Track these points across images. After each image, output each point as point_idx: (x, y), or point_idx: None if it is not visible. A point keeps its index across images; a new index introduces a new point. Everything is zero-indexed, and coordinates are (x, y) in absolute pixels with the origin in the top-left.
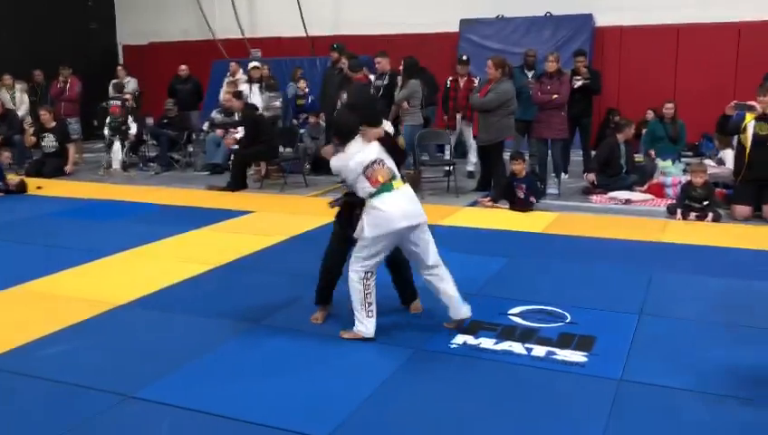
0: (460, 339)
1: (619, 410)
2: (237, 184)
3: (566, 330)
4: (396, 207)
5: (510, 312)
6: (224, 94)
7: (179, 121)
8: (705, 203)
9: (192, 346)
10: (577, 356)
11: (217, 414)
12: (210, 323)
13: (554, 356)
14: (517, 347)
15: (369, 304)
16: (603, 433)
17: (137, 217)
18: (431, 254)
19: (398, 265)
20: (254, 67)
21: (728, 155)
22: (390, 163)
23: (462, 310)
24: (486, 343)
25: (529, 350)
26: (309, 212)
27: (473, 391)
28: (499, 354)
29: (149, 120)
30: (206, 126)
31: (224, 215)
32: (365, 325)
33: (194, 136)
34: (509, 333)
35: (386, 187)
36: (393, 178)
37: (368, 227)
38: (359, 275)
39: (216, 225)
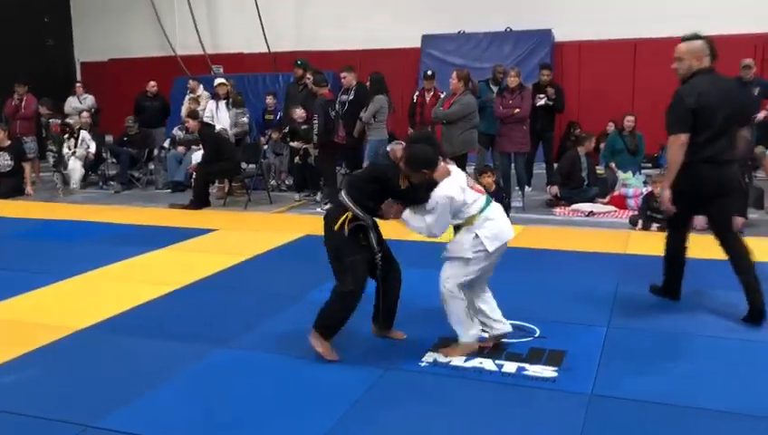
0: (430, 357)
1: (591, 426)
2: (200, 202)
3: (536, 344)
4: (504, 218)
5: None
6: (184, 111)
7: (141, 139)
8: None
9: (155, 371)
10: (548, 371)
11: None
12: (174, 347)
13: (525, 372)
14: (488, 364)
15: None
16: None
17: (97, 239)
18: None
19: (390, 288)
20: (221, 84)
21: None
22: None
23: (504, 325)
24: (456, 360)
25: (499, 366)
26: (273, 229)
27: (445, 410)
28: (469, 372)
29: (109, 138)
30: (167, 143)
31: (186, 234)
32: (474, 330)
33: (155, 153)
34: (478, 350)
35: (488, 199)
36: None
37: (486, 240)
38: (458, 288)
39: (178, 244)
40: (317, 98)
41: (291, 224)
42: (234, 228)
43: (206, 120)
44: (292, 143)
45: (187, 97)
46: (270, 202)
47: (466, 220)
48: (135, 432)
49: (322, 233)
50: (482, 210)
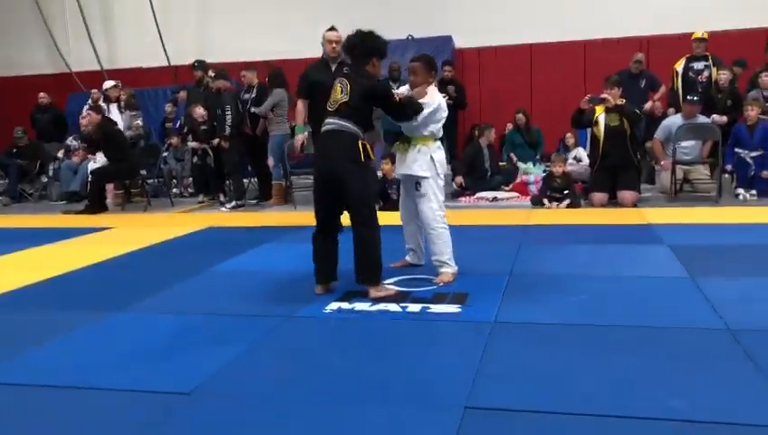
0: (335, 305)
1: (494, 341)
2: (95, 206)
3: (439, 291)
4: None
5: (384, 282)
6: (82, 120)
7: (31, 150)
8: (565, 192)
9: (45, 332)
10: (452, 308)
11: (71, 386)
12: (63, 314)
13: (429, 310)
14: (392, 307)
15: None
16: (479, 361)
17: None
18: None
19: (336, 240)
20: (113, 86)
21: (582, 153)
22: None
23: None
24: (361, 306)
25: (404, 307)
26: (174, 225)
27: (346, 343)
28: (374, 314)
29: None
30: (60, 153)
31: (80, 232)
32: (453, 264)
33: (49, 166)
34: (383, 297)
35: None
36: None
37: (439, 164)
38: (444, 220)
39: (70, 239)
40: (223, 93)
41: (192, 220)
42: (132, 226)
43: (83, 128)
44: (191, 143)
45: (86, 107)
46: (171, 205)
47: (423, 139)
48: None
49: (326, 159)
50: (436, 139)
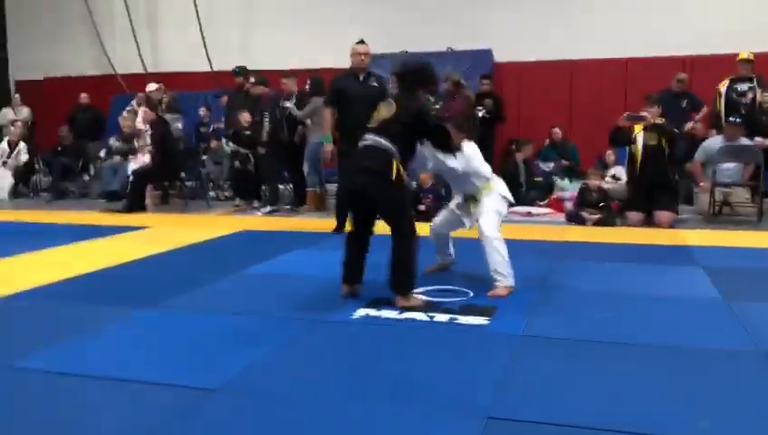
0: (362, 311)
1: (521, 354)
2: (134, 205)
3: (468, 303)
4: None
5: (415, 291)
6: (123, 121)
7: (74, 149)
8: (601, 205)
9: (79, 325)
10: (480, 320)
11: (105, 377)
12: (96, 309)
13: (456, 321)
14: (419, 316)
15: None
16: (505, 372)
17: (25, 234)
18: None
19: (366, 244)
20: (156, 89)
21: (621, 171)
22: None
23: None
24: (388, 314)
25: (431, 317)
26: (210, 226)
27: (370, 347)
28: (401, 322)
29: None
30: (103, 153)
31: (119, 230)
32: (510, 278)
33: (90, 165)
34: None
35: None
36: None
37: (507, 193)
38: (499, 237)
39: (110, 237)
40: (261, 100)
41: (228, 222)
42: (168, 226)
43: (138, 125)
44: (228, 146)
45: (127, 108)
46: (208, 208)
47: (484, 187)
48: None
49: (358, 174)
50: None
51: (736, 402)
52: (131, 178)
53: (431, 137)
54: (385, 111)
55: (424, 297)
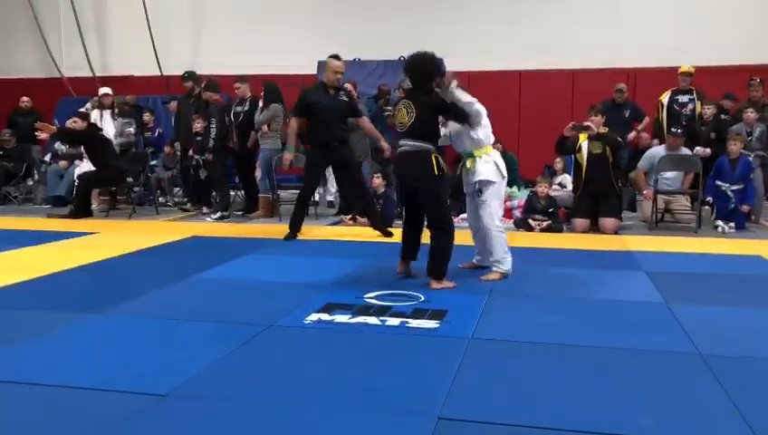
0: (314, 316)
1: (470, 357)
2: (81, 211)
3: (420, 306)
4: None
5: (366, 296)
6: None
7: (18, 153)
8: (550, 211)
9: (22, 331)
10: (430, 323)
11: (51, 384)
12: (40, 314)
13: (408, 325)
14: (372, 320)
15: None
16: (455, 375)
17: None
18: None
19: (418, 230)
20: (105, 94)
21: (568, 179)
22: None
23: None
24: (341, 318)
25: (383, 321)
26: (159, 232)
27: (323, 352)
28: (353, 326)
29: None
30: (48, 157)
31: (64, 236)
32: (509, 263)
33: (34, 169)
34: (364, 310)
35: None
36: None
37: (501, 167)
38: (501, 223)
39: (54, 242)
40: (210, 105)
41: (178, 228)
42: (116, 232)
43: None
44: (192, 155)
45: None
46: (157, 214)
47: (485, 148)
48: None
49: (404, 178)
50: (491, 145)
51: (676, 401)
52: (77, 182)
53: (457, 118)
54: (404, 114)
55: (451, 283)
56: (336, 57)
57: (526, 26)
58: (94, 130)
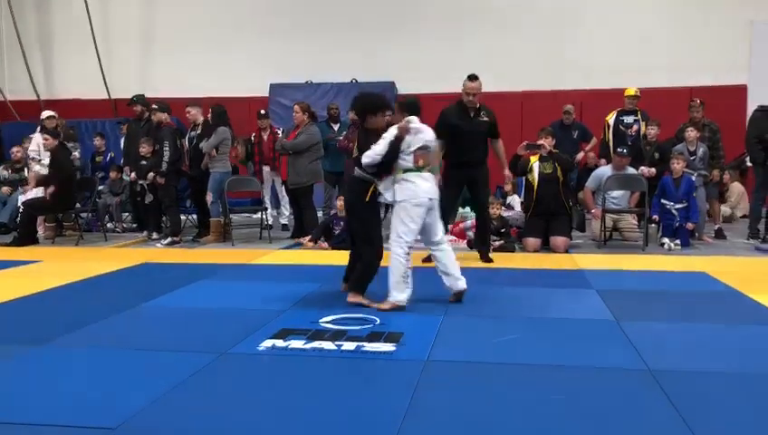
0: (269, 343)
1: (426, 380)
2: (25, 239)
3: (375, 330)
4: (423, 185)
5: (321, 320)
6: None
7: None
8: (502, 230)
9: None
10: (386, 347)
11: None
12: None
13: (363, 348)
14: (327, 345)
15: (408, 276)
16: (410, 400)
17: None
18: (439, 230)
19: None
20: (50, 117)
21: (517, 200)
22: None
23: (460, 282)
24: (296, 344)
25: (339, 346)
26: (108, 259)
27: (278, 380)
28: (309, 351)
29: None
30: None
31: (4, 265)
32: (405, 294)
33: None
34: (319, 335)
35: (419, 169)
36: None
37: (399, 193)
38: (404, 250)
39: None
40: (162, 128)
41: (127, 255)
42: (62, 260)
43: (30, 153)
44: (128, 177)
45: (37, 131)
46: (105, 240)
47: (398, 170)
48: None
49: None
50: (405, 171)
51: (627, 417)
52: (22, 209)
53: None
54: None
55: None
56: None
57: (475, 49)
58: (64, 152)
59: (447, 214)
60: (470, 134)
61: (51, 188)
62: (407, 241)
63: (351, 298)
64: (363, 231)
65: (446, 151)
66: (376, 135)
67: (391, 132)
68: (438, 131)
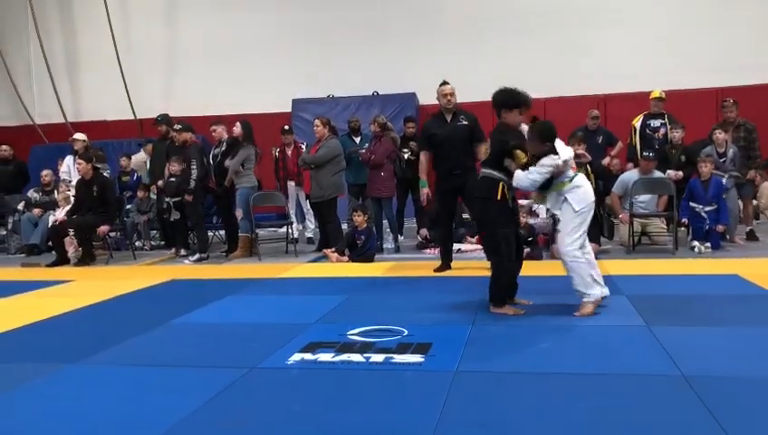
0: (297, 356)
1: (456, 391)
2: (58, 259)
3: (403, 341)
4: (588, 185)
5: (349, 332)
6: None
7: None
8: (529, 239)
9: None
10: (415, 358)
11: None
12: (16, 366)
13: (392, 360)
14: (356, 357)
15: (594, 273)
16: (441, 412)
17: None
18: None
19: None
20: (75, 139)
21: (542, 208)
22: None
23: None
24: (324, 357)
25: (367, 358)
26: (137, 277)
27: (307, 393)
28: (337, 364)
29: None
30: (21, 206)
31: (40, 285)
32: (598, 290)
33: (8, 218)
34: (347, 348)
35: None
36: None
37: (573, 202)
38: (577, 251)
39: (30, 292)
40: (189, 146)
41: (155, 273)
42: (92, 279)
43: (62, 175)
44: (162, 191)
45: (69, 157)
46: (134, 259)
47: (557, 185)
48: None
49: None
50: (571, 179)
51: (663, 425)
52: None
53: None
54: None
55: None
56: (444, 83)
57: (498, 58)
58: (100, 176)
59: (447, 226)
60: (449, 140)
61: (105, 227)
62: (578, 242)
63: (493, 310)
64: (491, 233)
65: (434, 163)
66: (510, 131)
67: (547, 161)
68: (420, 145)
